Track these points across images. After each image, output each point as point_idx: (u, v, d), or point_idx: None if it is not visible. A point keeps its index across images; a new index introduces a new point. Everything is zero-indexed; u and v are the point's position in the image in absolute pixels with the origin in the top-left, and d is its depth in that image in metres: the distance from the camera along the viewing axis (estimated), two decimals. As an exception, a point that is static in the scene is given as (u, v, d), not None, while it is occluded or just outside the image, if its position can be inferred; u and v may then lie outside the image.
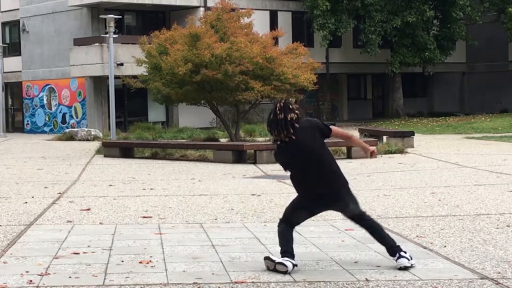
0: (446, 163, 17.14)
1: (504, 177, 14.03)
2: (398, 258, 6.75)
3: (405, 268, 6.68)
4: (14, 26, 40.46)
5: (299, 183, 6.95)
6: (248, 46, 21.22)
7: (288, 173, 6.94)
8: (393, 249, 6.82)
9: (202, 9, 34.81)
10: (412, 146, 21.80)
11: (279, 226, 6.98)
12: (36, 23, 38.21)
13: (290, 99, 7.20)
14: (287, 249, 6.78)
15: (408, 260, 6.74)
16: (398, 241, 8.07)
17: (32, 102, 38.79)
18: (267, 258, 6.79)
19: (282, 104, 6.83)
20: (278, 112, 6.79)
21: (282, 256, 6.73)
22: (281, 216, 7.08)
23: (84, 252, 7.65)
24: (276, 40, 25.10)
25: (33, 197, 12.34)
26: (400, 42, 39.64)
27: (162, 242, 8.16)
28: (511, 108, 44.60)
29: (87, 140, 29.49)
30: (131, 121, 34.63)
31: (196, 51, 21.04)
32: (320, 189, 6.84)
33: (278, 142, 6.87)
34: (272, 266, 6.69)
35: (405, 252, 6.79)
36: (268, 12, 38.76)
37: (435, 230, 8.72)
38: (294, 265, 6.70)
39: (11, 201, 11.84)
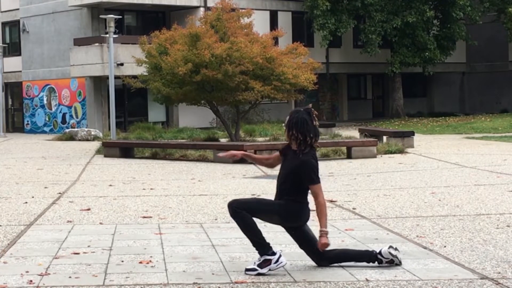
0: (446, 163, 17.14)
1: (504, 177, 14.03)
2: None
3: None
4: (14, 26, 40.46)
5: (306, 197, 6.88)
6: (248, 46, 21.22)
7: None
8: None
9: (202, 9, 34.85)
10: (412, 146, 21.81)
11: (240, 214, 6.75)
12: (36, 23, 38.21)
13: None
14: (264, 243, 6.75)
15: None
16: (398, 241, 8.09)
17: (32, 102, 38.80)
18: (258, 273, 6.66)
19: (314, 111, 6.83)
20: (316, 118, 6.78)
21: (263, 254, 6.67)
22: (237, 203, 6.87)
23: (84, 252, 7.65)
24: (276, 40, 25.11)
25: (33, 197, 12.34)
26: (400, 42, 39.65)
27: (162, 242, 8.17)
28: (511, 108, 44.62)
29: (87, 140, 29.49)
30: (131, 121, 34.63)
31: (196, 51, 21.05)
32: None
33: (307, 150, 6.76)
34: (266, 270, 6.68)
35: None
36: (268, 12, 38.78)
37: (435, 230, 8.72)
38: (280, 254, 6.71)
39: (11, 201, 11.84)
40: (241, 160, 18.68)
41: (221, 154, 7.49)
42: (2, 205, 11.43)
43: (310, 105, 7.14)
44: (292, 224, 6.86)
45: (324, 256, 6.85)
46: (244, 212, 6.76)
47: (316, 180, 6.69)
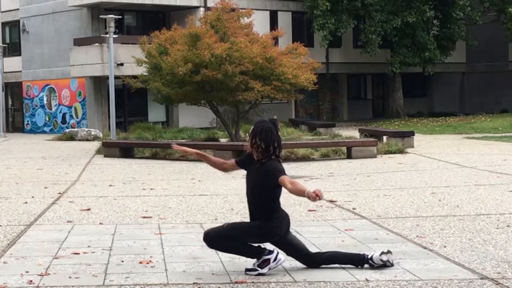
0: (446, 163, 17.14)
1: (504, 177, 14.03)
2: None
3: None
4: (14, 26, 40.46)
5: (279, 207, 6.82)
6: (248, 46, 21.22)
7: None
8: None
9: (202, 9, 34.83)
10: (412, 146, 21.80)
11: (217, 244, 6.72)
12: (36, 23, 38.21)
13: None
14: (255, 249, 6.73)
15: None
16: (398, 241, 8.09)
17: (32, 102, 38.80)
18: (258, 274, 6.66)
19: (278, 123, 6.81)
20: (280, 129, 6.82)
21: (260, 257, 6.66)
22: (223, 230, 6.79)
23: (84, 252, 7.65)
24: (276, 40, 25.09)
25: (33, 197, 12.34)
26: (400, 42, 39.64)
27: (162, 242, 8.17)
28: (511, 108, 44.60)
29: (87, 140, 29.49)
30: (131, 121, 34.62)
31: (196, 51, 21.05)
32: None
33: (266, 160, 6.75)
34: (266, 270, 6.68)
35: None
36: (268, 12, 38.77)
37: (435, 230, 8.72)
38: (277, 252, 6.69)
39: (11, 201, 11.84)
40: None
41: (175, 146, 7.46)
42: (2, 205, 11.43)
43: (275, 116, 7.16)
44: (274, 238, 6.81)
45: (313, 260, 6.82)
46: (220, 241, 6.71)
47: (283, 172, 6.60)
